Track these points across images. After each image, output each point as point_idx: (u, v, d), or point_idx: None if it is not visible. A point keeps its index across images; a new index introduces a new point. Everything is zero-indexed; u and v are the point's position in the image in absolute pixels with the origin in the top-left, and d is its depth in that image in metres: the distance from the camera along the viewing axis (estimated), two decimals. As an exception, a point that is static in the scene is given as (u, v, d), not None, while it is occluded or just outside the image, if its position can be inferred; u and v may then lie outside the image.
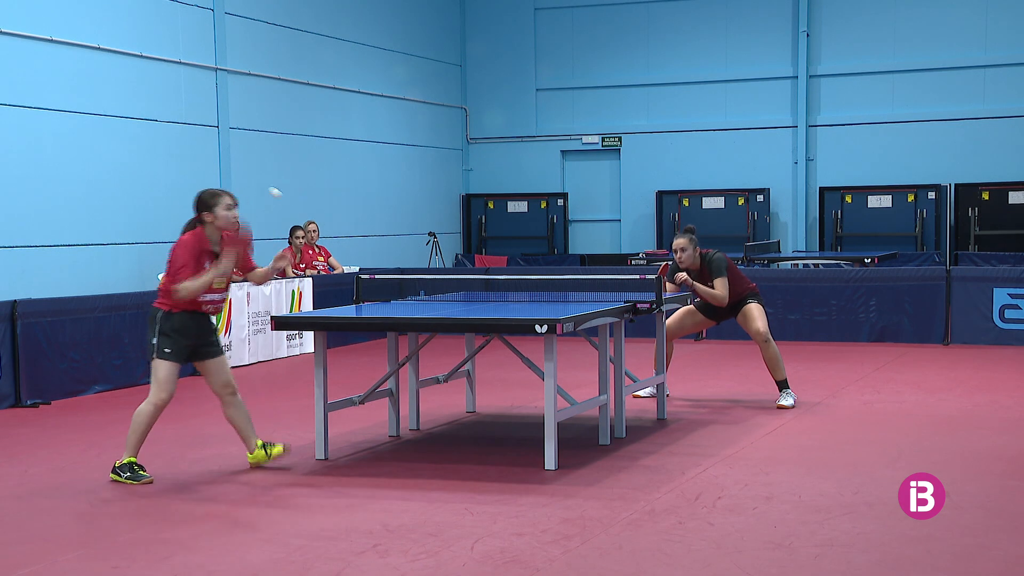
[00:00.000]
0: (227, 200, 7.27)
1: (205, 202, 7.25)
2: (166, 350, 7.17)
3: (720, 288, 9.72)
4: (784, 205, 21.26)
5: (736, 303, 9.93)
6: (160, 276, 7.55)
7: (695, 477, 7.17)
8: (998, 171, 19.97)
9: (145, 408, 7.23)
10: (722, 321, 10.26)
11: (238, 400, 7.52)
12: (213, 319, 7.49)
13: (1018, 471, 7.29)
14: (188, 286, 7.11)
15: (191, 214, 7.33)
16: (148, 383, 11.31)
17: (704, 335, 14.50)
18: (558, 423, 7.52)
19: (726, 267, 9.79)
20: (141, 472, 7.23)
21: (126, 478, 7.18)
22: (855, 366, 12.14)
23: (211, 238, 7.26)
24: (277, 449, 7.60)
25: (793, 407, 9.71)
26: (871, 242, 20.23)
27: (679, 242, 9.80)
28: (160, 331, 7.16)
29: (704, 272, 9.81)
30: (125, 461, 7.23)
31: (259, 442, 7.58)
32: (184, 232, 7.31)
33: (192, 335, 7.27)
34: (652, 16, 21.84)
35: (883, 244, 19.96)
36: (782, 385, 9.86)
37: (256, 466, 7.56)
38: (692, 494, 6.73)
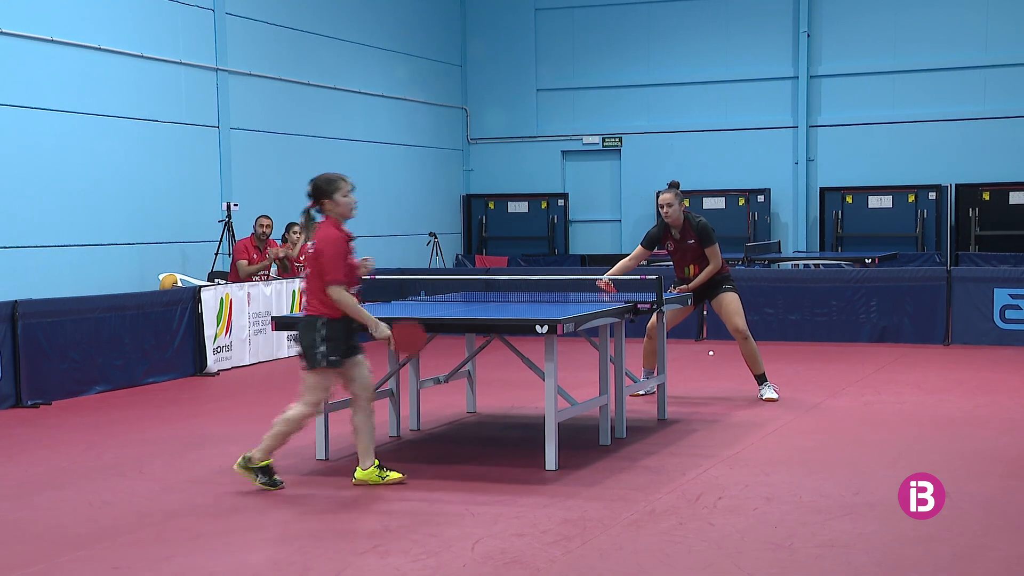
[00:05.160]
0: (345, 186, 6.86)
1: (323, 189, 6.84)
2: (333, 357, 6.82)
3: (714, 259, 9.82)
4: (784, 205, 21.25)
5: (712, 285, 9.98)
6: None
7: (696, 478, 7.16)
8: (998, 171, 19.96)
9: (300, 413, 6.79)
10: (698, 305, 10.32)
11: (371, 408, 7.07)
12: None
13: (1018, 472, 7.28)
14: (347, 301, 6.76)
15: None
16: (150, 383, 11.53)
17: (704, 335, 14.49)
18: (558, 423, 7.52)
19: (716, 236, 9.96)
20: (276, 478, 6.86)
21: (262, 482, 6.77)
22: (855, 367, 12.13)
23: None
24: (394, 475, 7.03)
25: (777, 399, 9.85)
26: (871, 242, 20.21)
27: (665, 197, 9.90)
28: (327, 338, 6.77)
29: (688, 233, 9.85)
30: (263, 463, 6.76)
31: (376, 461, 7.05)
32: (305, 225, 6.86)
33: (347, 336, 6.93)
34: (652, 16, 21.83)
35: (884, 244, 19.94)
36: (761, 379, 10.04)
37: (360, 484, 7.00)
38: (693, 495, 6.72)
